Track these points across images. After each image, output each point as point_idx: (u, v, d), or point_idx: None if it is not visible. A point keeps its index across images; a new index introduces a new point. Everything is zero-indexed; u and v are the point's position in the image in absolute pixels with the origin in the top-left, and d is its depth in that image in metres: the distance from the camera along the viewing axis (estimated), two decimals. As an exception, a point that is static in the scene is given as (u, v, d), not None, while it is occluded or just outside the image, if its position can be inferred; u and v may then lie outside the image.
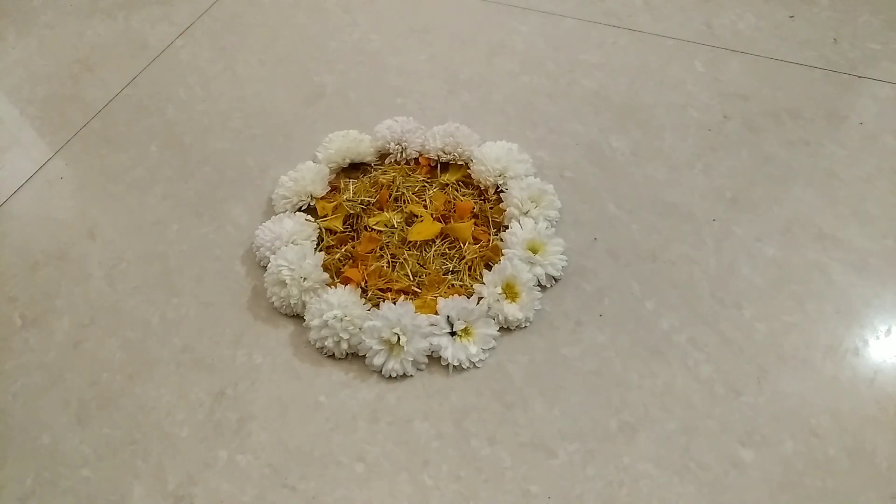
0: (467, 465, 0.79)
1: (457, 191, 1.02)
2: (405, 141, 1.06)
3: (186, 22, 1.38)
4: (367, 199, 1.01)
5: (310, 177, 1.02)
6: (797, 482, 0.75)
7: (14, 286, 0.99)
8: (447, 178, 1.03)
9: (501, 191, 1.00)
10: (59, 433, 0.84)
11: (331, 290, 0.89)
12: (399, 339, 0.84)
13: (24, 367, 0.91)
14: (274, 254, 0.93)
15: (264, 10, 1.40)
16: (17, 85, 1.30)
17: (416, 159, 1.06)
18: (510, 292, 0.89)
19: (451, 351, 0.85)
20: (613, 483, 0.77)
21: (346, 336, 0.86)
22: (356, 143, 1.06)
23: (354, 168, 1.07)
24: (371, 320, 0.86)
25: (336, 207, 1.00)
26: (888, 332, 0.86)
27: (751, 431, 0.79)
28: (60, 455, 0.83)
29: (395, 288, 0.91)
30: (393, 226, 0.97)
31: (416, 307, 0.88)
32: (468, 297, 0.89)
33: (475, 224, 0.97)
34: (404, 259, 0.94)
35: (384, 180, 1.03)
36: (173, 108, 1.22)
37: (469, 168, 1.03)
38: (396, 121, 1.08)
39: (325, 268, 0.93)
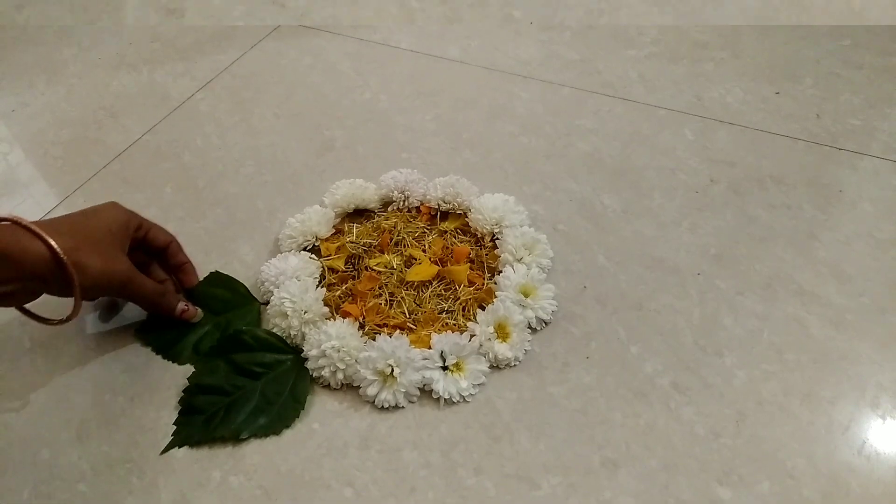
0: (453, 493, 0.78)
1: (455, 237, 1.02)
2: (408, 190, 1.06)
3: (207, 77, 1.39)
4: (369, 241, 1.00)
5: (316, 219, 1.02)
6: (772, 521, 0.74)
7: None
8: (446, 225, 1.03)
9: (497, 239, 0.99)
10: (58, 449, 0.83)
11: (329, 323, 0.88)
12: (393, 370, 0.83)
13: (29, 387, 0.90)
14: (278, 288, 0.92)
15: (281, 70, 1.41)
16: (43, 128, 1.30)
17: (418, 208, 1.06)
18: (501, 332, 0.88)
19: (442, 384, 0.85)
20: (594, 515, 0.75)
21: (342, 366, 0.85)
22: (361, 190, 1.07)
23: (359, 214, 1.08)
24: (366, 351, 0.85)
25: (339, 248, 1.00)
26: (863, 383, 0.85)
27: (728, 471, 0.77)
28: (58, 469, 0.81)
29: (392, 324, 0.91)
30: (392, 267, 0.97)
31: (411, 341, 0.87)
32: (461, 335, 0.88)
33: (471, 268, 0.96)
34: (402, 298, 0.93)
35: (386, 225, 1.02)
36: (190, 154, 1.21)
37: (467, 217, 1.03)
38: (401, 172, 1.09)
39: (326, 303, 0.93)
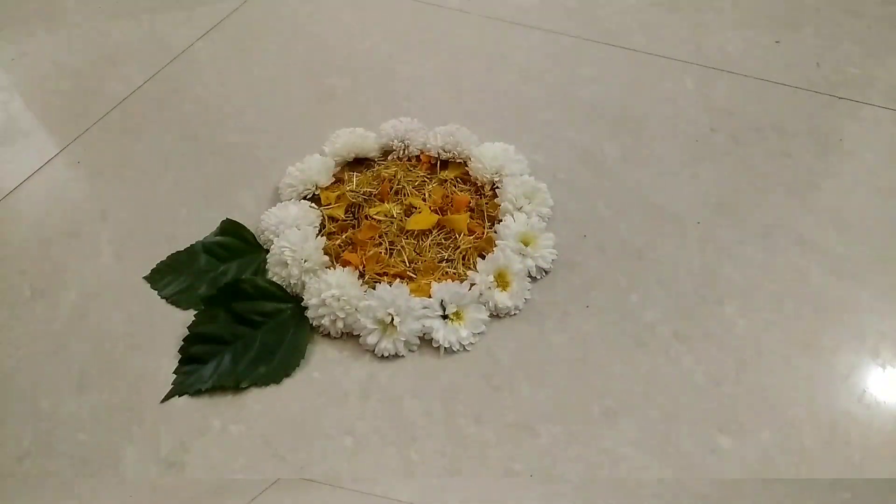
0: (453, 442, 0.75)
1: (455, 186, 0.98)
2: (408, 139, 1.03)
3: (208, 26, 1.34)
4: (369, 190, 0.97)
5: (316, 168, 0.99)
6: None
7: (25, 260, 0.95)
8: (446, 174, 1.00)
9: (497, 188, 0.96)
10: (58, 398, 0.81)
11: (330, 272, 0.85)
12: (393, 319, 0.80)
13: (30, 335, 0.87)
14: (278, 236, 0.89)
15: (282, 19, 1.36)
16: (43, 76, 1.26)
17: (418, 156, 1.03)
18: (501, 281, 0.85)
19: (442, 333, 0.82)
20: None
21: (342, 315, 0.82)
22: (362, 139, 1.03)
23: (359, 163, 1.04)
24: (367, 300, 0.82)
25: (339, 197, 0.97)
26: (862, 331, 0.83)
27: (729, 420, 0.75)
28: (58, 419, 0.79)
29: (392, 273, 0.88)
30: (393, 216, 0.93)
31: (411, 290, 0.84)
32: (461, 283, 0.85)
33: (471, 217, 0.93)
34: (402, 247, 0.90)
35: (386, 174, 0.99)
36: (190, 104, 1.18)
37: (467, 166, 1.00)
38: (401, 120, 1.05)
39: (326, 252, 0.90)
